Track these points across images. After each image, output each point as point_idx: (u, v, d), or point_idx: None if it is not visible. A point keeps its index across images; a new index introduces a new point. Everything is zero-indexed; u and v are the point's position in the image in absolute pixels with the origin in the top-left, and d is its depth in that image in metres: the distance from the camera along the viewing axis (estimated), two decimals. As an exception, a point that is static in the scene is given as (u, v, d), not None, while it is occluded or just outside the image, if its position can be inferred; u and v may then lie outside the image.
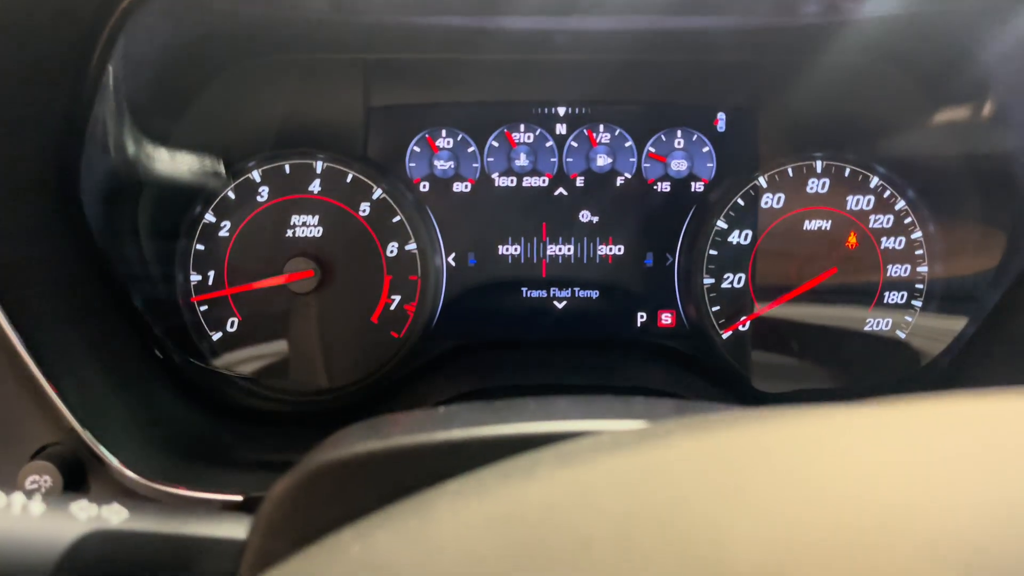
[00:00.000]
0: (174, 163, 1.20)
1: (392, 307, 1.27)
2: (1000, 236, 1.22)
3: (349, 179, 1.25)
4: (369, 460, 0.56)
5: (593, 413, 0.61)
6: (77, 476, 0.93)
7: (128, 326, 1.11)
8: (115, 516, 0.57)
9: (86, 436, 0.90)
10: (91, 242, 1.05)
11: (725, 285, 1.28)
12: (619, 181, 1.29)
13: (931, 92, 1.22)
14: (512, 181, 1.28)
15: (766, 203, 1.27)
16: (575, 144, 1.28)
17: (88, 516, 0.55)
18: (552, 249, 1.29)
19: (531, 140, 1.28)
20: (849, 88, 1.23)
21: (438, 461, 0.56)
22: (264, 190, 1.24)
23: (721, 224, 1.27)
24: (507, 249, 1.29)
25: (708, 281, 1.28)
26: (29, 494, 0.55)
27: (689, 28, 1.19)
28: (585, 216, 1.29)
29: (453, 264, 1.29)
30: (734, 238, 1.28)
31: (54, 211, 0.99)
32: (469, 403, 0.67)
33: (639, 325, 1.31)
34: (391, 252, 1.26)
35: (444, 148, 1.27)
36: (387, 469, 0.56)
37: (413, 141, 1.27)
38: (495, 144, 1.28)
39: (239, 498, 0.93)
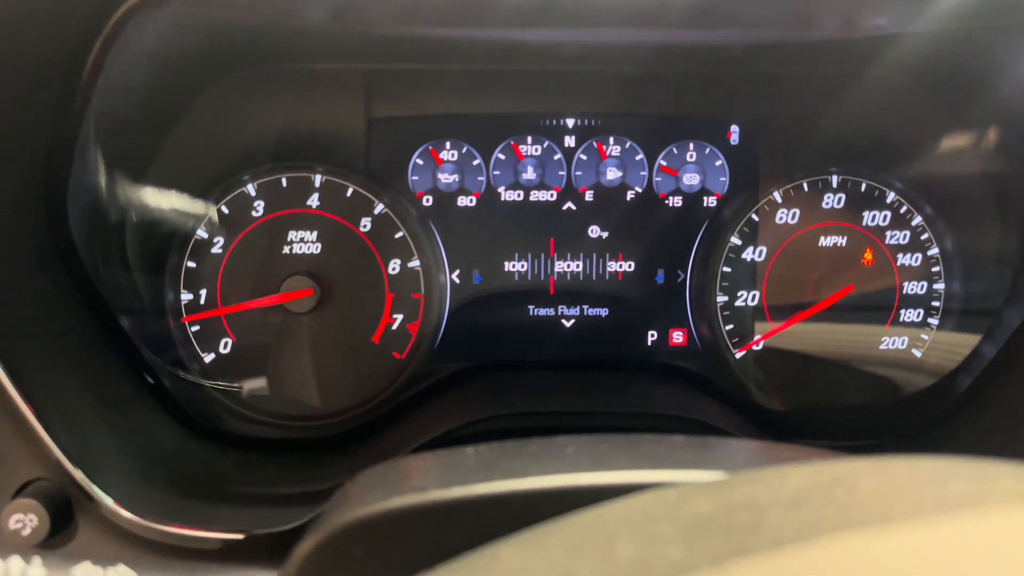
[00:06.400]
0: (165, 179, 1.14)
1: (394, 327, 1.21)
2: (1018, 253, 1.19)
3: (349, 193, 1.19)
4: (405, 517, 0.51)
5: (643, 459, 0.56)
6: (64, 514, 0.86)
7: (117, 350, 1.04)
8: (121, 580, 0.51)
9: (76, 473, 0.84)
10: (77, 262, 0.99)
11: (739, 303, 1.24)
12: (629, 195, 1.24)
13: (953, 110, 1.19)
14: (519, 195, 1.23)
15: (781, 219, 1.23)
16: (584, 157, 1.24)
17: (92, 582, 0.50)
18: (560, 265, 1.25)
19: (539, 153, 1.23)
20: (868, 102, 1.20)
21: (483, 516, 0.51)
22: (260, 204, 1.18)
23: (735, 240, 1.23)
24: (513, 266, 1.24)
25: (721, 299, 1.24)
26: (27, 558, 0.50)
27: (702, 41, 1.15)
28: (594, 231, 1.25)
29: (457, 281, 1.24)
30: (748, 254, 1.24)
31: (39, 232, 0.93)
32: (500, 444, 0.62)
33: (650, 344, 1.27)
34: (393, 269, 1.21)
35: (448, 161, 1.22)
36: (426, 526, 0.51)
37: (416, 153, 1.22)
38: (501, 157, 1.23)
39: (240, 536, 0.87)
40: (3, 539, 0.82)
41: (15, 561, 0.48)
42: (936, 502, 0.34)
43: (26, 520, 0.83)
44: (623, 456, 0.57)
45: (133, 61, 0.95)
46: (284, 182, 1.18)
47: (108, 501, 0.85)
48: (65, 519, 0.86)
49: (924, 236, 1.23)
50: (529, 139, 1.23)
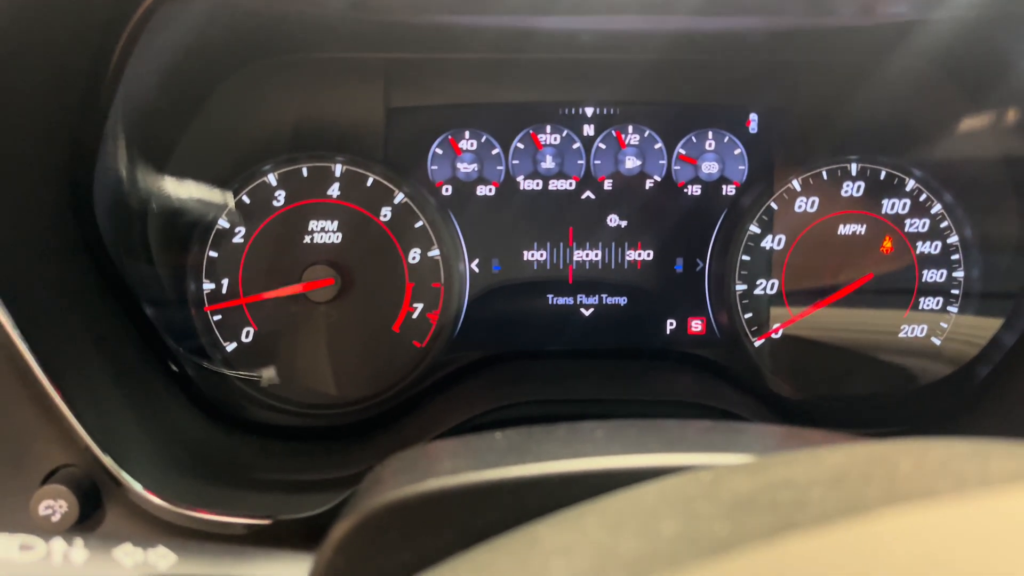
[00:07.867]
0: (186, 169, 1.15)
1: (414, 316, 1.22)
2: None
3: (369, 183, 1.20)
4: (441, 498, 0.52)
5: (674, 442, 0.57)
6: (93, 500, 0.87)
7: (142, 339, 1.05)
8: (162, 561, 0.52)
9: (105, 459, 0.85)
10: (103, 252, 1.00)
11: (758, 291, 1.24)
12: (648, 184, 1.24)
13: (972, 96, 1.18)
14: (538, 184, 1.24)
15: (800, 207, 1.23)
16: (603, 146, 1.24)
17: (134, 562, 0.51)
18: (579, 254, 1.25)
19: (558, 142, 1.23)
20: (887, 90, 1.20)
21: (517, 499, 0.52)
22: (280, 194, 1.19)
23: (754, 228, 1.23)
24: (532, 255, 1.25)
25: (740, 287, 1.24)
26: (68, 540, 0.51)
27: (720, 29, 1.15)
28: (613, 220, 1.25)
29: (477, 270, 1.24)
30: (767, 243, 1.24)
31: (65, 223, 0.94)
32: (528, 429, 0.62)
33: (668, 333, 1.27)
34: (413, 259, 1.21)
35: (467, 150, 1.23)
36: (461, 508, 0.52)
37: (435, 143, 1.22)
38: (520, 146, 1.23)
39: (267, 522, 0.88)
40: (33, 525, 0.83)
41: (57, 542, 0.49)
42: (979, 477, 0.34)
43: (56, 506, 0.84)
44: (652, 440, 0.57)
45: (159, 51, 0.96)
46: (305, 172, 1.19)
47: (137, 487, 0.86)
48: (94, 505, 0.87)
49: (943, 224, 1.23)
50: (548, 128, 1.23)
